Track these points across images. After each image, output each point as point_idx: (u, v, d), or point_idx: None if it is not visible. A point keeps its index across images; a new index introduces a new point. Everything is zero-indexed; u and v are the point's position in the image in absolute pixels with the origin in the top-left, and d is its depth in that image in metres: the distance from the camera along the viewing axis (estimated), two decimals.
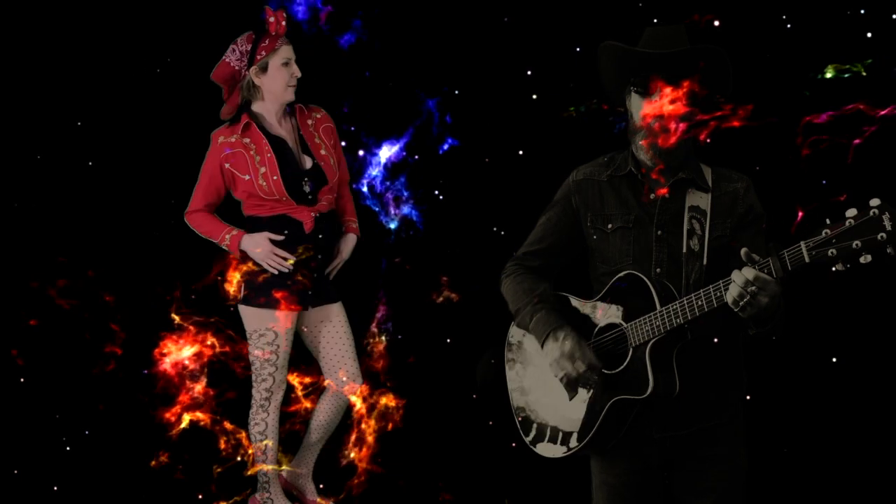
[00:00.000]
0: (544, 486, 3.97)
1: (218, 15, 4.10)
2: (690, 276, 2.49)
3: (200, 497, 3.98)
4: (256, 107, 3.72)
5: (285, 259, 3.64)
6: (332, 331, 3.81)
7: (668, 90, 2.46)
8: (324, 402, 3.85)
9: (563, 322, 2.57)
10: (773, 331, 2.37)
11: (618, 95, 2.63)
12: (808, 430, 4.02)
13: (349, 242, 3.85)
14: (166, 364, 3.56)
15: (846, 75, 3.00)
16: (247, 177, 3.64)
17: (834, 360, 3.99)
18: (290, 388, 3.76)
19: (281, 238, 3.65)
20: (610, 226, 2.60)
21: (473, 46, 4.16)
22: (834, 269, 2.11)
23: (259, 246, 3.65)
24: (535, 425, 2.69)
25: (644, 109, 2.50)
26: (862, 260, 2.07)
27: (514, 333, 2.80)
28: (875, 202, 2.07)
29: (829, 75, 3.05)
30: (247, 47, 3.63)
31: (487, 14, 4.16)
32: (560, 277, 2.76)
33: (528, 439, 2.71)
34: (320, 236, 3.73)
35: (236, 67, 3.65)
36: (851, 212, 2.10)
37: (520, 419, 2.74)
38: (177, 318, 3.56)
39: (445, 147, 3.69)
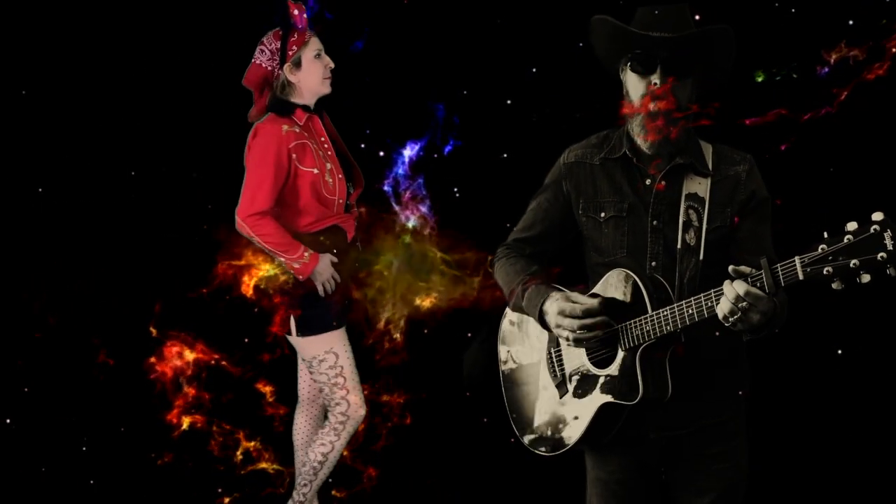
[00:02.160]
0: (539, 479, 3.87)
1: (216, 18, 3.92)
2: (685, 273, 2.30)
3: (220, 490, 3.91)
4: None
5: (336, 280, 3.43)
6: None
7: (651, 87, 2.26)
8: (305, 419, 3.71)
9: (551, 290, 2.37)
10: (768, 336, 2.19)
11: (611, 65, 2.40)
12: (813, 426, 3.88)
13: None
14: (163, 370, 3.53)
15: (777, 78, 2.92)
16: (315, 170, 3.36)
17: (840, 352, 3.84)
18: (261, 396, 3.67)
19: (336, 260, 3.44)
20: (603, 214, 2.41)
21: (474, 46, 3.97)
22: (833, 286, 1.93)
23: (327, 269, 3.40)
24: (527, 422, 2.56)
25: (626, 108, 2.32)
26: (860, 280, 1.89)
27: (506, 327, 2.66)
28: (877, 217, 1.87)
29: (759, 79, 2.97)
30: (276, 45, 3.39)
31: (486, 14, 3.98)
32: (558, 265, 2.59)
33: (520, 436, 2.59)
34: (358, 244, 3.55)
35: (269, 68, 3.40)
36: (852, 225, 1.90)
37: (513, 416, 2.62)
38: (154, 332, 3.51)
39: (449, 148, 3.56)
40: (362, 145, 3.71)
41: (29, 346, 4.09)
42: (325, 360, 3.46)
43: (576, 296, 2.33)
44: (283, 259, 3.36)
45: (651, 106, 2.27)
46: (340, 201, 3.44)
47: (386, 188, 3.48)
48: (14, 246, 4.11)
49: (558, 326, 2.32)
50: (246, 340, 3.75)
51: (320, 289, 3.41)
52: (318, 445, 3.53)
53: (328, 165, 3.40)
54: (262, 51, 3.41)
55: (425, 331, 3.80)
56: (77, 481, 4.15)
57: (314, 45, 3.44)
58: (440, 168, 3.71)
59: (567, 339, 2.33)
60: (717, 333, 2.29)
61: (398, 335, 3.53)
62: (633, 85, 2.31)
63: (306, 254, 3.36)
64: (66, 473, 4.17)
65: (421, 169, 3.50)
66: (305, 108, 3.45)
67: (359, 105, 3.81)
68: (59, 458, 4.18)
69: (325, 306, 3.45)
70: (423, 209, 3.49)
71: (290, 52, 3.39)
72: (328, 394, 3.50)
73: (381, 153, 3.66)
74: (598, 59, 2.44)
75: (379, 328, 3.60)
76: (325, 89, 3.48)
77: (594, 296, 2.35)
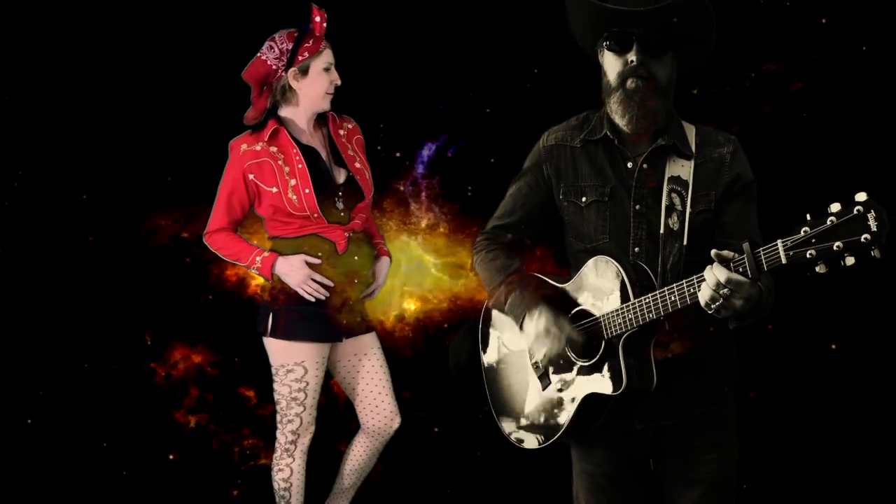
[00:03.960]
0: (527, 473, 3.75)
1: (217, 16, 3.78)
2: (668, 259, 2.20)
3: (240, 481, 3.86)
4: (286, 112, 3.26)
5: (322, 285, 3.21)
6: (369, 365, 3.39)
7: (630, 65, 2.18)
8: (358, 443, 3.44)
9: (537, 302, 2.28)
10: (755, 323, 2.09)
11: (590, 48, 2.30)
12: (805, 420, 3.80)
13: (384, 266, 3.41)
14: (165, 373, 3.50)
15: (712, 89, 3.01)
16: (274, 189, 3.16)
17: (833, 346, 3.76)
18: (246, 400, 3.59)
19: (317, 261, 3.21)
20: (584, 199, 2.30)
21: (476, 47, 3.86)
22: (816, 269, 1.83)
23: (295, 270, 3.18)
24: (509, 412, 2.46)
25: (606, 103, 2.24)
26: (844, 263, 1.79)
27: (488, 320, 2.56)
28: (860, 197, 1.77)
29: (694, 92, 3.01)
30: (287, 46, 3.16)
31: (486, 17, 3.89)
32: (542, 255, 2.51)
33: (503, 428, 2.48)
34: (356, 258, 3.30)
35: (273, 67, 3.18)
36: (835, 207, 1.80)
37: (494, 404, 2.51)
38: (149, 340, 3.47)
39: (452, 150, 3.49)
40: (378, 147, 3.59)
41: (40, 348, 4.03)
42: (293, 371, 3.25)
43: (563, 320, 2.26)
44: (244, 266, 3.26)
45: (629, 83, 2.18)
46: (315, 215, 3.20)
47: (404, 188, 3.41)
48: (17, 247, 4.04)
49: (537, 340, 2.27)
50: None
51: (301, 292, 3.20)
52: (276, 472, 3.35)
53: (292, 182, 3.18)
54: (271, 48, 3.19)
55: (445, 325, 3.69)
56: (96, 477, 4.10)
57: (326, 56, 3.22)
58: (453, 167, 3.65)
59: (542, 358, 2.30)
60: (711, 329, 2.20)
61: (408, 332, 3.45)
62: (611, 64, 2.22)
63: (258, 257, 3.20)
64: (85, 470, 4.11)
65: (434, 169, 3.43)
66: (278, 119, 3.25)
67: (365, 107, 3.67)
68: (80, 454, 4.11)
69: (311, 315, 3.24)
70: (437, 209, 3.42)
71: (300, 58, 3.18)
72: (283, 408, 3.28)
73: (398, 154, 3.56)
74: (579, 46, 2.35)
75: (386, 326, 3.52)
76: (325, 105, 3.26)
77: (579, 312, 2.28)
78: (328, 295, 3.22)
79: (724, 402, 2.34)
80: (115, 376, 3.91)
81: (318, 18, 3.18)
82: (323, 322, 3.25)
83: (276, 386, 3.29)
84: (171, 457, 3.85)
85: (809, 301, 3.51)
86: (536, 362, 2.39)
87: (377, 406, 3.39)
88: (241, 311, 3.52)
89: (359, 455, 3.43)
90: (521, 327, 2.32)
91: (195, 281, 3.56)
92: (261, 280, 3.33)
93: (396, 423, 3.41)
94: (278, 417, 3.31)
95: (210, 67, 3.68)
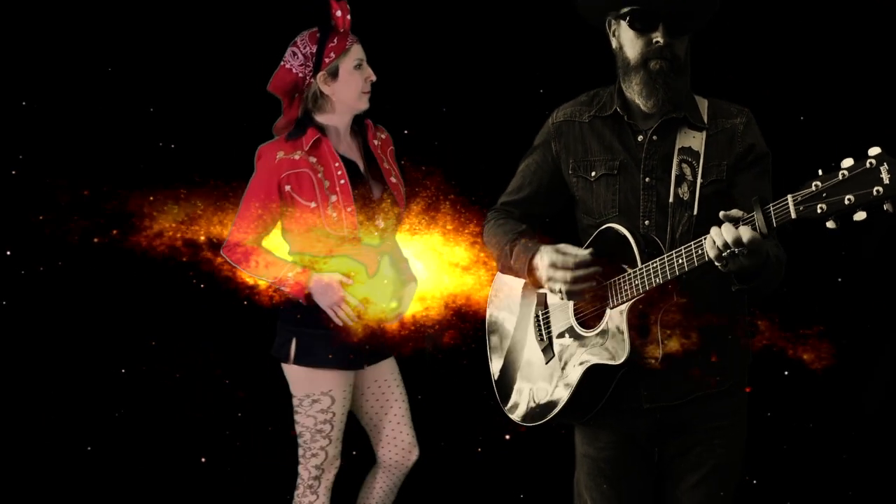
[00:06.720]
0: (526, 459, 3.72)
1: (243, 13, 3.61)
2: (677, 228, 2.16)
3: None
4: (323, 119, 2.95)
5: (353, 309, 2.91)
6: (389, 393, 3.12)
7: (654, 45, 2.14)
8: (377, 478, 3.17)
9: (540, 245, 2.21)
10: (760, 288, 2.03)
11: (598, 18, 2.25)
12: (804, 419, 3.77)
13: (410, 291, 3.06)
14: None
15: None
16: (312, 204, 2.85)
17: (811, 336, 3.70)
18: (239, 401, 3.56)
19: (351, 282, 2.90)
20: (593, 173, 2.26)
21: (476, 48, 3.78)
22: (827, 225, 1.77)
23: (330, 290, 2.86)
24: (512, 392, 2.40)
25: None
26: (856, 217, 1.73)
27: (493, 294, 2.52)
28: (873, 151, 1.71)
29: None
30: (311, 49, 2.87)
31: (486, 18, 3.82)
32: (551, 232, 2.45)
33: (505, 406, 2.43)
34: (385, 281, 3.01)
35: (300, 75, 2.88)
36: (847, 162, 1.75)
37: (497, 386, 2.46)
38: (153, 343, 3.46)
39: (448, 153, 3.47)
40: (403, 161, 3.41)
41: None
42: (319, 401, 2.96)
43: (566, 247, 2.18)
44: (274, 283, 2.89)
45: (653, 64, 2.15)
46: (352, 235, 2.91)
47: (421, 189, 3.35)
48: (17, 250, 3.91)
49: (550, 279, 2.16)
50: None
51: (331, 314, 2.89)
52: None
53: (332, 198, 2.88)
54: (295, 53, 2.90)
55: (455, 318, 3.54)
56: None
57: (355, 53, 2.92)
58: (462, 166, 3.60)
59: (559, 292, 2.17)
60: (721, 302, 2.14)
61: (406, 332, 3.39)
62: (630, 42, 2.17)
63: (290, 274, 2.85)
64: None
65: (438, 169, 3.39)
66: (319, 127, 2.95)
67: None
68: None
69: (337, 339, 2.93)
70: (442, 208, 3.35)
71: (327, 60, 2.87)
72: (307, 441, 2.99)
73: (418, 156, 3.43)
74: (580, 10, 2.30)
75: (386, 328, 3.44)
76: (363, 105, 2.97)
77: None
78: (356, 320, 2.94)
79: (736, 389, 2.28)
80: (118, 378, 3.82)
81: (338, 13, 2.90)
82: (349, 346, 2.95)
83: (298, 417, 3.00)
84: (203, 459, 3.81)
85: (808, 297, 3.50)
86: (541, 333, 2.34)
87: (395, 437, 3.14)
88: (245, 313, 3.41)
89: (378, 491, 3.18)
90: (529, 271, 2.23)
91: (202, 284, 3.47)
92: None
93: (414, 455, 3.15)
94: (301, 451, 3.02)
95: (223, 70, 3.54)
